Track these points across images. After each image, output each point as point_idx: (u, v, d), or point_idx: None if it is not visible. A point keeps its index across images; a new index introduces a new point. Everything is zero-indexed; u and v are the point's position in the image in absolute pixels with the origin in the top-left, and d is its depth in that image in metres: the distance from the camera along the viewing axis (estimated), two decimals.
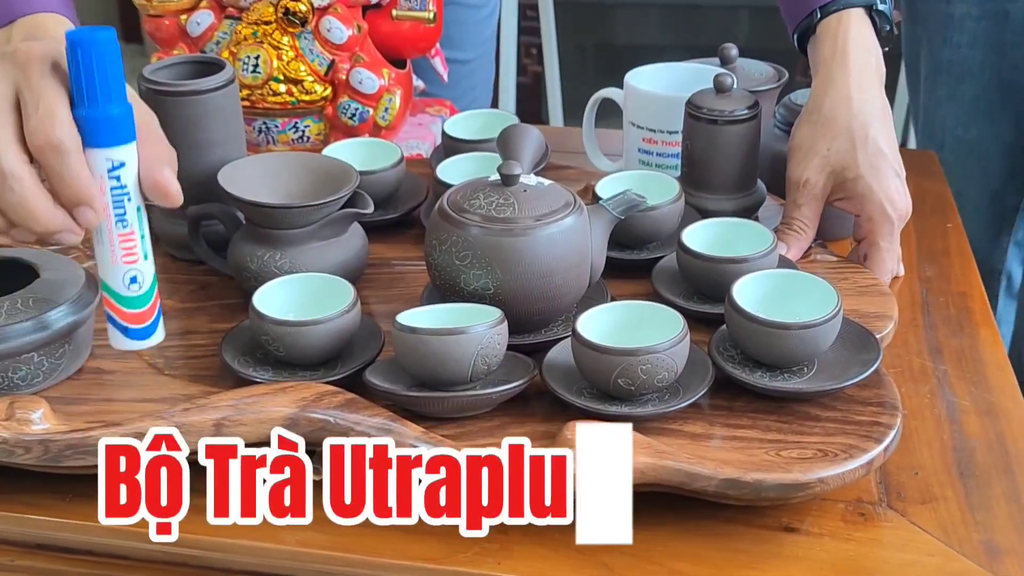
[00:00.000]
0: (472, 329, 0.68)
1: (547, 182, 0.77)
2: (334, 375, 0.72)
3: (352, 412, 0.67)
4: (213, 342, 0.79)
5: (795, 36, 0.91)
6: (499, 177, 0.76)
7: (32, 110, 0.64)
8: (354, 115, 1.04)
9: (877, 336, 0.74)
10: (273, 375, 0.73)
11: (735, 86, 0.89)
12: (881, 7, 0.87)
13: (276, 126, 1.06)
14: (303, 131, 1.06)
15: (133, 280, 0.68)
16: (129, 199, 0.67)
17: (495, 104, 2.07)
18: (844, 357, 0.72)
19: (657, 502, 0.66)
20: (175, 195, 0.69)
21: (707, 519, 0.66)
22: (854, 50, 0.85)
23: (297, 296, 0.76)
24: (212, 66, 0.87)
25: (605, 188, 0.87)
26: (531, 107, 2.82)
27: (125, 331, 0.69)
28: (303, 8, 1.02)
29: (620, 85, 1.02)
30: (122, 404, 0.71)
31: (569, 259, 0.74)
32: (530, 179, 0.76)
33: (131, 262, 0.68)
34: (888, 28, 0.87)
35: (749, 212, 0.90)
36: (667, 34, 3.24)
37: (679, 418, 0.69)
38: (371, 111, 1.04)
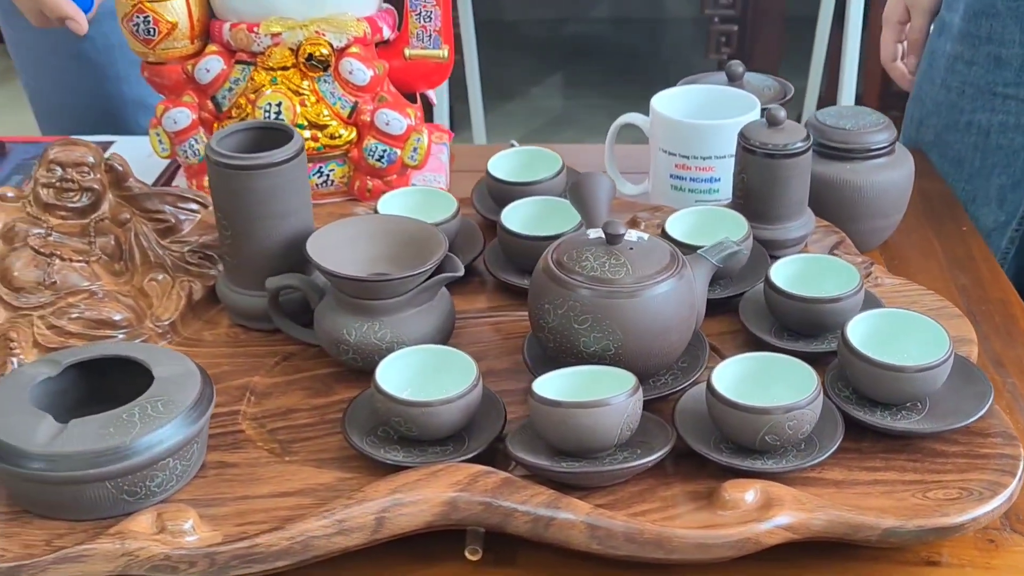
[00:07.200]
0: (614, 400, 0.69)
1: (646, 236, 0.78)
2: (466, 451, 0.72)
3: (512, 492, 0.67)
4: (319, 420, 0.78)
5: None
6: (603, 235, 0.76)
7: None
8: (382, 157, 1.03)
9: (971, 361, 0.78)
10: (404, 455, 0.72)
11: (786, 118, 0.91)
12: None
13: None
14: (327, 175, 1.04)
15: None
16: None
17: None
18: (953, 390, 0.75)
19: (794, 547, 0.68)
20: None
21: (852, 559, 0.69)
22: None
23: (413, 370, 0.75)
24: (276, 132, 0.84)
25: (675, 227, 0.89)
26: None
27: None
28: (324, 51, 1.00)
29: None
30: (263, 501, 0.70)
31: (683, 313, 0.75)
32: (631, 235, 0.77)
33: None
34: None
35: (805, 238, 0.93)
36: (554, 6, 3.26)
37: (817, 466, 0.71)
38: (399, 152, 1.03)
